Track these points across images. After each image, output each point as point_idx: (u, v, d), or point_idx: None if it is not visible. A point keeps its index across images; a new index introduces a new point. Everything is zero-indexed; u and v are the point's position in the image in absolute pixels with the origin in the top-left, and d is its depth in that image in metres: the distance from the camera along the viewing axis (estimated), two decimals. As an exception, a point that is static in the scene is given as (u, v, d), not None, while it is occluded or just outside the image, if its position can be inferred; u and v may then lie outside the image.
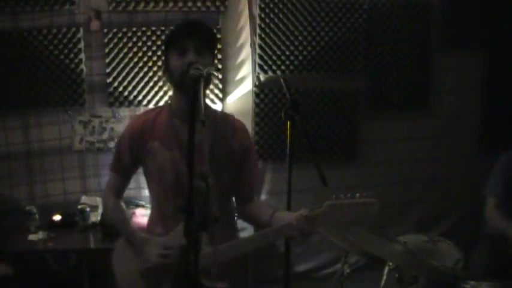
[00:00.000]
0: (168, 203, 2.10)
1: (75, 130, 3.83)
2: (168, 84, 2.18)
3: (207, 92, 3.86)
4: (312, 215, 1.92)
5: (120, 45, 3.76)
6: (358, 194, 1.90)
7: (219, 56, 3.85)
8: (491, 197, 3.31)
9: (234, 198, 2.39)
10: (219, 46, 3.82)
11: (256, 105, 3.99)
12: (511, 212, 3.21)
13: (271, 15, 3.89)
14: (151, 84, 3.83)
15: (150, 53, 3.79)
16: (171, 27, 2.92)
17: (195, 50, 1.97)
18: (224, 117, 2.20)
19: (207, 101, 2.08)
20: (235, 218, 3.58)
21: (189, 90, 1.79)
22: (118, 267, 2.18)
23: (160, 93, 3.85)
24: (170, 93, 3.21)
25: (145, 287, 2.07)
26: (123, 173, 2.23)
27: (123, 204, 2.27)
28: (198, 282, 1.82)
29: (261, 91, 3.99)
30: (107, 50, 3.75)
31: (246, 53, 3.97)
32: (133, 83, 3.82)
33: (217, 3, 3.82)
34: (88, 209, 3.54)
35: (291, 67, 3.98)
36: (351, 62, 4.07)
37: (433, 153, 4.35)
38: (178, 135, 2.07)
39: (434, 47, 4.22)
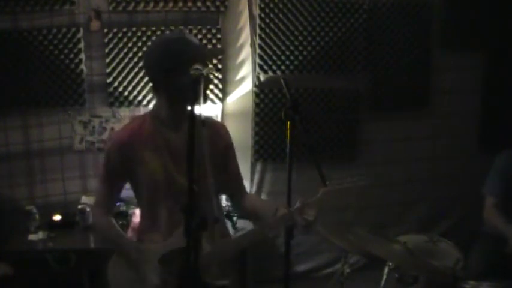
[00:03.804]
0: (158, 207, 2.13)
1: (75, 130, 3.83)
2: (162, 96, 2.16)
3: (208, 92, 3.88)
4: (310, 202, 2.00)
5: (120, 45, 3.76)
6: (348, 178, 2.03)
7: (219, 56, 3.85)
8: (489, 196, 3.32)
9: (230, 198, 2.41)
10: (218, 46, 3.82)
11: (256, 105, 3.99)
12: (510, 212, 3.21)
13: (271, 15, 3.89)
14: (151, 84, 3.83)
15: (150, 53, 3.79)
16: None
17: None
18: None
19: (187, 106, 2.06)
20: (236, 218, 3.62)
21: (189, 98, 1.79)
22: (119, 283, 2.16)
23: (160, 93, 3.85)
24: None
25: None
26: (114, 187, 2.21)
27: (114, 220, 2.24)
28: (199, 280, 1.83)
29: (261, 91, 3.99)
30: (106, 50, 3.75)
31: (246, 53, 3.97)
32: (134, 83, 3.82)
33: (217, 3, 3.82)
34: (88, 209, 3.54)
35: (291, 67, 3.98)
36: (351, 62, 4.07)
37: (433, 153, 4.35)
38: (168, 143, 2.11)
39: (434, 47, 4.22)
